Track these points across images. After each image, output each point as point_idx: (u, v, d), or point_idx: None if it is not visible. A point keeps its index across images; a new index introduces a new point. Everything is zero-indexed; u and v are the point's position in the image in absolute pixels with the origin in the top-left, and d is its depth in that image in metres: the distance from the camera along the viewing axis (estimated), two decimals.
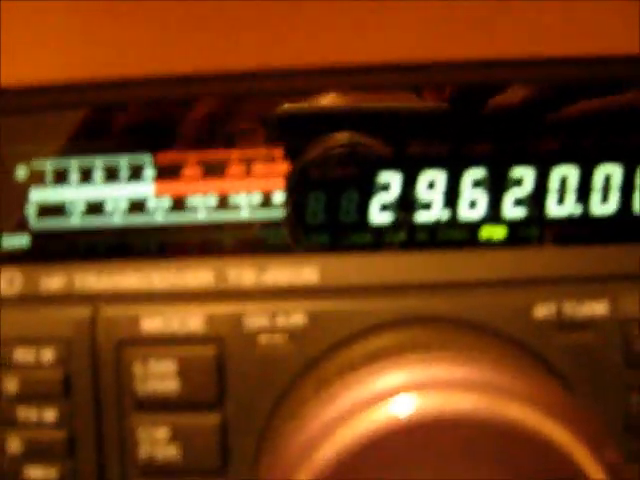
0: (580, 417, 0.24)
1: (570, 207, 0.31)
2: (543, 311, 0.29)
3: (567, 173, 0.31)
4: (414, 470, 0.24)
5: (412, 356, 0.26)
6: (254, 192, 0.31)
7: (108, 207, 0.32)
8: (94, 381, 0.30)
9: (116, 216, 0.32)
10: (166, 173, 0.31)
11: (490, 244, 0.31)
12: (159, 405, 0.29)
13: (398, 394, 0.25)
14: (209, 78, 0.31)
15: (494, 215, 0.31)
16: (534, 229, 0.31)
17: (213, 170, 0.31)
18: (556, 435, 0.24)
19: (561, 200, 0.31)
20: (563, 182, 0.31)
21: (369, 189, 0.31)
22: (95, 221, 0.32)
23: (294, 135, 0.31)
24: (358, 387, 0.26)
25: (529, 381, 0.25)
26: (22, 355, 0.30)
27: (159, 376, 0.29)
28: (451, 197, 0.31)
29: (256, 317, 0.29)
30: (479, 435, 0.24)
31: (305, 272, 0.30)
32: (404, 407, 0.24)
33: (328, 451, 0.24)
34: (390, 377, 0.25)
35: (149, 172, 0.32)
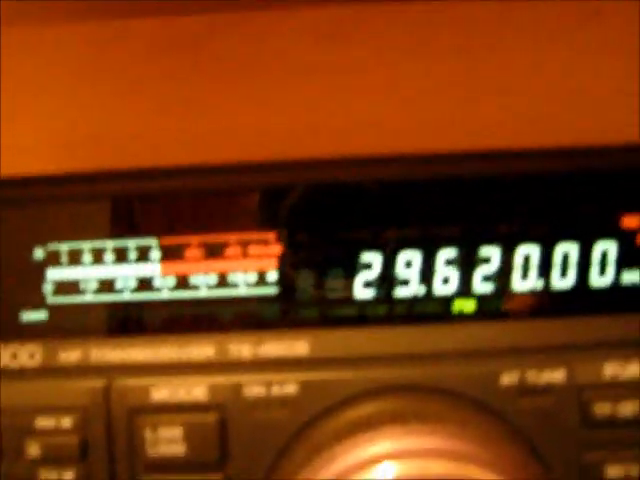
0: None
1: (532, 282, 0.35)
2: (508, 379, 0.33)
3: (529, 251, 0.35)
4: None
5: (391, 428, 0.30)
6: (250, 271, 0.35)
7: (118, 285, 0.35)
8: (108, 445, 0.33)
9: (125, 293, 0.35)
10: (171, 255, 0.35)
11: (461, 317, 0.35)
12: (167, 467, 0.33)
13: (381, 462, 0.28)
14: (206, 171, 0.35)
15: (465, 290, 0.35)
16: (500, 302, 0.35)
17: (213, 251, 0.35)
18: None
19: (525, 275, 0.35)
20: (526, 259, 0.35)
21: (353, 268, 0.35)
22: (106, 297, 0.35)
23: (285, 221, 0.35)
24: (346, 455, 0.29)
25: (494, 449, 0.28)
26: (43, 422, 0.34)
27: (167, 441, 0.33)
28: (426, 274, 0.35)
29: (253, 387, 0.33)
30: None
31: (297, 345, 0.34)
32: (386, 473, 0.28)
33: None
34: (373, 447, 0.29)
35: (155, 254, 0.35)
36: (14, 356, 0.35)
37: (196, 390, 0.33)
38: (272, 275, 0.35)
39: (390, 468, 0.28)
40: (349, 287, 0.35)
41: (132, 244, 0.35)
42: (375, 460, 0.29)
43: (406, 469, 0.28)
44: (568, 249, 0.35)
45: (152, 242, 0.35)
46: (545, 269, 0.35)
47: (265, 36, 0.48)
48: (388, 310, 0.35)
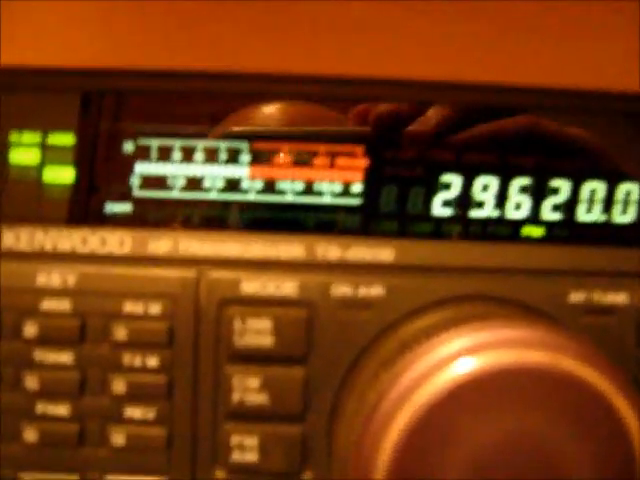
0: (617, 370, 0.31)
1: (597, 215, 0.38)
2: (575, 297, 0.35)
3: (595, 187, 0.38)
4: (487, 413, 0.30)
5: (470, 326, 0.32)
6: (336, 181, 0.37)
7: (206, 184, 0.37)
8: (195, 333, 0.34)
9: (213, 192, 0.37)
10: (260, 159, 0.36)
11: (530, 240, 0.37)
12: (253, 357, 0.34)
13: (461, 356, 0.31)
14: (298, 80, 0.36)
15: (535, 216, 0.37)
16: (567, 230, 0.37)
17: (301, 159, 0.37)
18: (601, 384, 0.30)
19: (590, 209, 0.38)
20: (592, 194, 0.38)
21: (433, 187, 0.37)
22: (193, 195, 0.37)
23: (375, 136, 0.37)
24: (426, 355, 0.31)
25: (576, 340, 0.31)
26: (131, 308, 0.35)
27: (254, 332, 0.34)
28: (500, 199, 0.37)
29: (341, 287, 0.35)
30: (539, 384, 0.30)
31: (382, 252, 0.36)
32: (483, 360, 0.30)
33: (421, 398, 0.30)
34: (452, 344, 0.31)
35: (245, 157, 0.36)
36: (103, 242, 0.35)
37: (286, 286, 0.35)
38: (357, 187, 0.36)
39: (486, 357, 0.30)
40: (428, 204, 0.37)
41: (223, 146, 0.36)
42: (455, 356, 0.31)
43: (497, 357, 0.30)
44: (630, 188, 0.37)
45: (243, 145, 0.36)
46: (608, 206, 0.37)
47: None
48: (463, 228, 0.37)
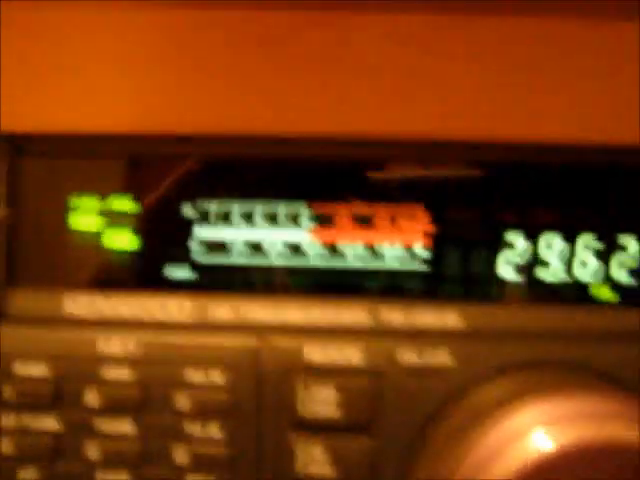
0: None
1: None
2: None
3: None
4: None
5: (541, 397, 0.31)
6: (397, 243, 0.36)
7: (266, 248, 0.36)
8: (258, 402, 0.34)
9: (273, 257, 0.36)
10: (320, 222, 0.36)
11: (599, 301, 0.36)
12: (316, 426, 0.33)
13: (535, 430, 0.29)
14: (358, 143, 0.36)
15: (603, 276, 0.36)
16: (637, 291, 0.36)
17: (362, 222, 0.36)
18: None
19: None
20: None
21: (496, 246, 0.36)
22: (254, 260, 0.36)
23: (435, 197, 0.36)
24: (497, 426, 0.30)
25: None
26: (192, 376, 0.34)
27: (318, 401, 0.33)
28: (567, 258, 0.36)
29: (407, 354, 0.34)
30: (623, 460, 0.29)
31: (447, 317, 0.35)
32: (562, 434, 0.29)
33: (496, 473, 0.29)
34: (541, 410, 0.30)
35: (305, 220, 0.36)
36: (163, 308, 0.35)
37: (350, 353, 0.34)
38: (419, 248, 0.36)
39: (546, 435, 0.29)
40: (493, 264, 0.36)
41: (282, 209, 0.36)
42: (530, 428, 0.30)
43: (564, 435, 0.29)
44: None
45: (302, 208, 0.36)
46: None
47: (345, 37, 0.50)
48: (529, 288, 0.36)
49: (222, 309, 0.35)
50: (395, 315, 0.35)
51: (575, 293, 0.36)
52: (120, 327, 0.35)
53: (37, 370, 0.34)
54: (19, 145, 0.36)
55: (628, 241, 0.36)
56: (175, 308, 0.35)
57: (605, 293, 0.36)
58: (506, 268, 0.36)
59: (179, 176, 0.36)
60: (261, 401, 0.34)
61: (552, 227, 0.36)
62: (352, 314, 0.35)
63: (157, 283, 0.36)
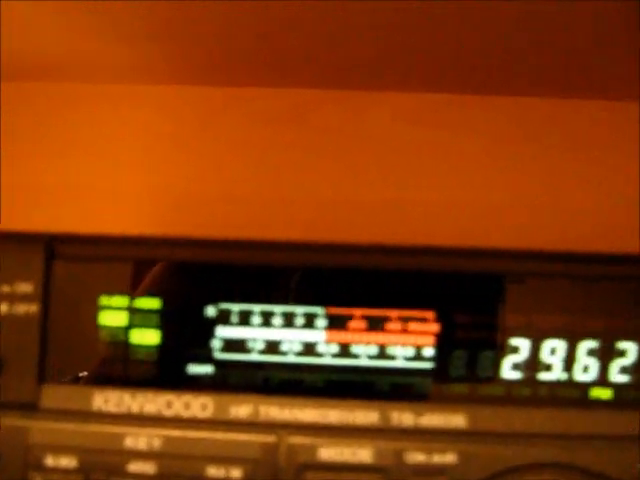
0: None
1: None
2: None
3: None
4: None
5: None
6: (408, 346, 0.38)
7: (284, 347, 0.38)
8: None
9: (290, 356, 0.38)
10: (335, 324, 0.38)
11: (599, 403, 0.38)
12: None
13: None
14: (368, 250, 0.39)
15: (602, 379, 0.38)
16: (635, 393, 0.38)
17: (375, 324, 0.38)
18: None
19: None
20: None
21: (502, 350, 0.38)
22: (272, 358, 0.38)
23: (443, 302, 0.38)
24: None
25: None
26: (213, 472, 0.36)
27: None
28: (568, 362, 0.38)
29: (415, 454, 0.36)
30: None
31: (454, 418, 0.37)
32: None
33: None
34: None
35: (321, 322, 0.38)
36: (187, 406, 0.37)
37: (361, 452, 0.36)
38: (428, 351, 0.38)
39: None
40: (498, 367, 0.38)
41: (300, 310, 0.38)
42: None
43: None
44: None
45: (319, 310, 0.38)
46: None
47: (362, 114, 0.53)
48: (532, 391, 0.38)
49: (242, 407, 0.37)
50: (404, 416, 0.37)
51: (575, 395, 0.38)
52: (145, 423, 0.37)
53: (67, 462, 0.36)
54: (52, 248, 0.38)
55: (627, 347, 0.38)
56: (198, 406, 0.37)
57: (604, 394, 0.38)
58: (510, 371, 0.38)
59: (203, 279, 0.39)
60: None
61: (555, 333, 0.38)
62: (364, 415, 0.37)
63: (180, 379, 0.38)
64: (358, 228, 0.49)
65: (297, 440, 0.36)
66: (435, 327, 0.38)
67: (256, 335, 0.38)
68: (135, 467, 0.36)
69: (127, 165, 0.51)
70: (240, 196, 0.50)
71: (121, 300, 0.39)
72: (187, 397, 0.37)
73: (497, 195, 0.50)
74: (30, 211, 0.49)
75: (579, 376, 0.38)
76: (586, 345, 0.38)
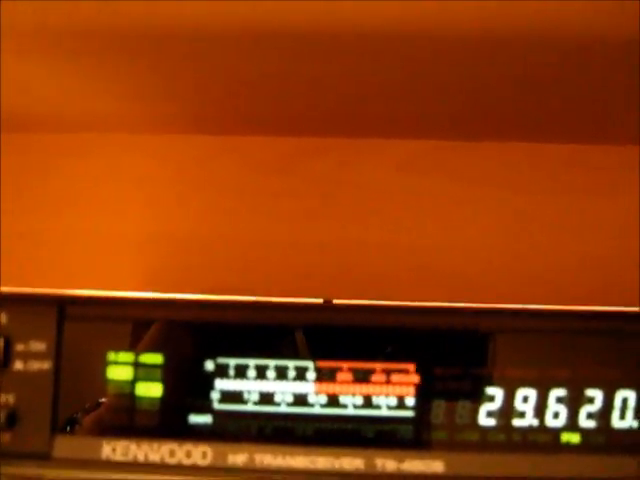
0: None
1: (629, 422, 0.42)
2: None
3: (627, 395, 0.42)
4: None
5: None
6: (391, 396, 0.41)
7: (277, 398, 0.42)
8: None
9: (283, 406, 0.42)
10: (324, 376, 0.42)
11: (568, 447, 0.41)
12: None
13: None
14: (359, 310, 0.42)
15: (572, 424, 0.42)
16: (602, 437, 0.41)
17: (361, 376, 0.42)
18: None
19: (622, 416, 0.42)
20: (624, 402, 0.42)
21: (479, 399, 0.42)
22: (266, 408, 0.42)
23: (423, 355, 0.42)
24: None
25: None
26: None
27: None
28: (539, 409, 0.42)
29: None
30: None
31: (433, 464, 0.40)
32: None
33: None
34: None
35: (311, 374, 0.42)
36: (188, 455, 0.41)
37: None
38: (410, 400, 0.41)
39: None
40: (474, 415, 0.41)
41: (291, 364, 0.42)
42: None
43: None
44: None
45: (309, 364, 0.42)
46: (638, 412, 0.41)
47: (351, 162, 0.56)
48: (507, 437, 0.41)
49: (239, 455, 0.40)
50: (388, 463, 0.40)
51: (547, 439, 0.41)
52: (150, 470, 0.40)
53: None
54: (63, 309, 0.42)
55: (594, 394, 0.42)
56: (198, 454, 0.41)
57: (574, 439, 0.41)
58: (486, 418, 0.41)
59: (202, 336, 0.42)
60: None
61: (527, 383, 0.41)
62: (350, 461, 0.40)
63: (182, 428, 0.42)
64: (348, 269, 0.53)
65: None
66: (416, 378, 0.41)
67: (251, 387, 0.42)
68: None
69: (127, 213, 0.54)
70: (235, 239, 0.54)
71: (127, 356, 0.42)
72: (188, 446, 0.41)
73: (480, 245, 0.53)
74: (33, 264, 0.52)
75: (550, 422, 0.41)
76: (556, 393, 0.42)
